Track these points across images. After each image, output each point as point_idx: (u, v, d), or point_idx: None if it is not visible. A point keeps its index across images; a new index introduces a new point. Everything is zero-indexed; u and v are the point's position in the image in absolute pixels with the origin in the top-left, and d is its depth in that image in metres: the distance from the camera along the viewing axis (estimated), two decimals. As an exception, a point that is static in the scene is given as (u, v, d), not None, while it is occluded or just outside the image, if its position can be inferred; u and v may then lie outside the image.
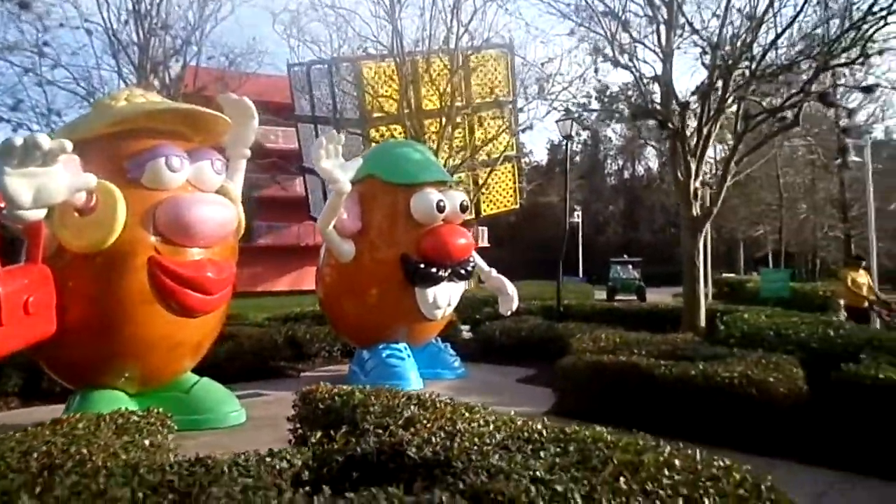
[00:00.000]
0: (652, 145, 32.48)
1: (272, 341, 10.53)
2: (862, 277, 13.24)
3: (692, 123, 10.09)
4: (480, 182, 30.99)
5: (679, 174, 10.03)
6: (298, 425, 4.86)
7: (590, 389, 6.82)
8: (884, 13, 9.42)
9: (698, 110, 9.83)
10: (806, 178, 27.53)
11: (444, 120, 14.54)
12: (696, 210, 9.98)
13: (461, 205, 9.30)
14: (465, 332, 13.20)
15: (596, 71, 10.83)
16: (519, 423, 3.42)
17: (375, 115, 18.84)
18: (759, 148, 11.75)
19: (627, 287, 30.91)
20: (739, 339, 7.88)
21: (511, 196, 32.80)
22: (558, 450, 2.80)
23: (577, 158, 62.43)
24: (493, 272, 10.92)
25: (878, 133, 47.41)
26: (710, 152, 11.71)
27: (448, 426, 3.31)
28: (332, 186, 8.20)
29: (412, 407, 3.95)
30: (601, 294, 29.86)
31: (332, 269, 9.37)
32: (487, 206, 31.86)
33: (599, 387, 6.73)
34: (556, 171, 60.08)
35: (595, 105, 14.97)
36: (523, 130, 20.06)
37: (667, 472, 2.45)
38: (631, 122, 11.44)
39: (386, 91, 17.57)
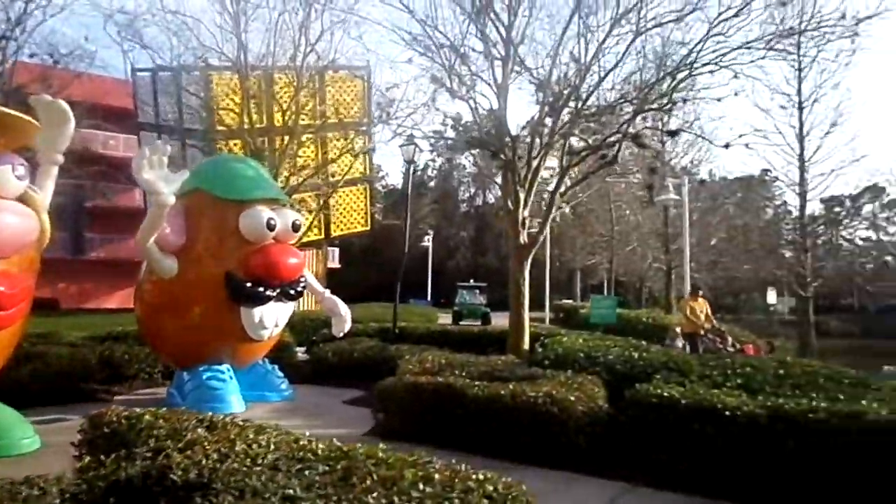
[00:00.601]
0: (486, 174, 33.83)
1: (84, 362, 9.80)
2: (700, 306, 14.28)
3: (526, 156, 10.62)
4: (332, 202, 30.89)
5: (509, 203, 10.51)
6: (85, 451, 4.56)
7: (408, 410, 6.92)
8: (694, 65, 10.48)
9: (528, 144, 10.39)
10: (635, 212, 29.82)
11: (286, 138, 14.34)
12: (523, 238, 10.49)
13: (293, 224, 9.19)
14: (300, 353, 12.98)
15: (433, 100, 11.18)
16: (302, 442, 3.41)
17: (219, 128, 18.25)
18: (582, 182, 12.58)
19: (473, 312, 31.13)
20: (553, 361, 8.31)
21: (363, 218, 32.82)
22: (326, 468, 2.82)
23: (432, 184, 63.76)
24: (327, 293, 10.85)
25: (702, 174, 52.37)
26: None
27: (225, 448, 3.23)
28: (153, 198, 7.84)
29: (199, 429, 3.82)
30: (447, 317, 30.38)
31: (153, 286, 8.91)
32: (338, 226, 31.72)
33: (418, 407, 6.85)
34: (412, 196, 60.92)
35: (450, 133, 15.44)
36: (365, 153, 20.14)
37: (421, 487, 2.55)
38: (465, 151, 11.85)
39: (229, 104, 17.07)
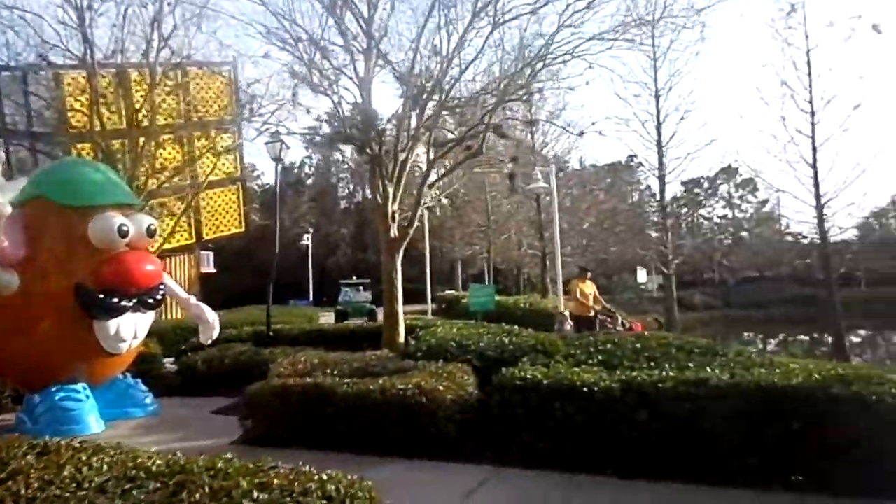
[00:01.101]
0: (361, 170, 33.66)
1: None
2: (588, 288, 14.29)
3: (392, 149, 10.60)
4: (203, 204, 29.63)
5: (378, 197, 10.47)
6: None
7: (276, 414, 6.75)
8: (549, 56, 10.84)
9: (395, 137, 10.37)
10: (510, 201, 30.64)
11: (142, 139, 13.58)
12: (393, 232, 10.48)
13: (148, 229, 8.72)
14: (169, 364, 12.38)
15: (295, 95, 10.95)
16: (140, 460, 3.22)
17: (71, 130, 17.02)
18: (449, 174, 12.74)
19: (358, 310, 30.41)
20: (426, 352, 8.36)
21: (236, 219, 31.67)
22: (158, 485, 2.68)
23: (310, 181, 62.63)
24: (192, 299, 10.41)
25: (574, 163, 54.51)
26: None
27: (51, 475, 3.00)
28: (-14, 209, 7.19)
29: (28, 457, 3.53)
30: (329, 316, 29.91)
31: (-8, 304, 8.19)
32: (210, 229, 30.49)
33: (286, 411, 6.70)
34: (289, 194, 59.61)
35: (326, 129, 15.07)
36: (228, 151, 19.45)
37: (255, 495, 2.47)
38: (331, 147, 11.71)
39: (76, 105, 15.94)
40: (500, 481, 5.48)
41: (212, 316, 10.04)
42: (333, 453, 6.32)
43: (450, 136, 10.93)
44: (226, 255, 44.97)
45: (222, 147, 23.36)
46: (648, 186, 53.88)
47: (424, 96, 10.50)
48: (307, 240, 42.05)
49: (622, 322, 14.76)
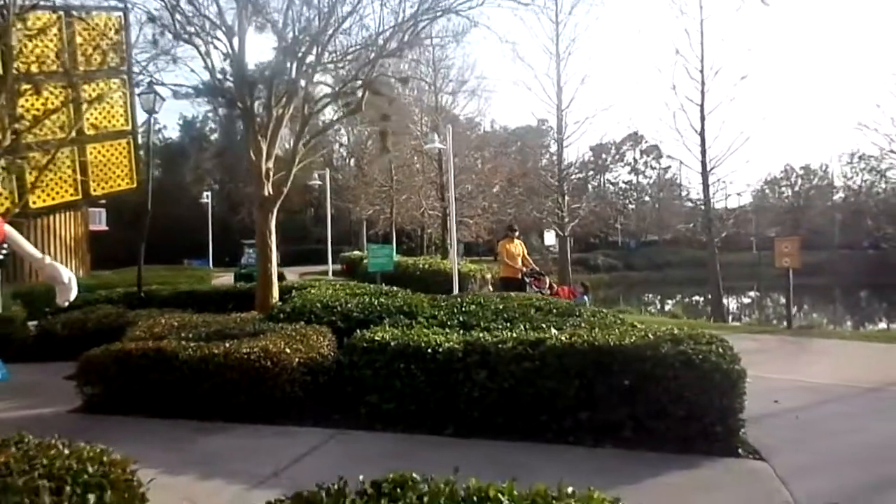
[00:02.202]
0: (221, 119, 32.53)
1: None
2: (516, 248, 13.45)
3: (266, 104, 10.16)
4: (90, 159, 27.97)
5: (252, 154, 10.05)
6: None
7: (115, 380, 6.41)
8: (431, 13, 10.60)
9: (268, 91, 9.93)
10: (411, 162, 30.45)
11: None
12: (268, 190, 10.11)
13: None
14: (34, 327, 11.64)
15: (155, 42, 10.26)
16: None
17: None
18: (325, 131, 12.40)
19: None
20: (289, 314, 8.16)
21: (127, 175, 30.11)
22: None
23: (214, 136, 60.26)
24: (47, 259, 9.67)
25: (486, 125, 54.64)
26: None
27: None
28: None
29: None
30: (227, 277, 28.91)
31: None
32: (99, 185, 28.86)
33: (125, 376, 6.37)
34: (192, 150, 57.19)
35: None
36: (94, 102, 18.28)
37: None
38: (195, 98, 11.19)
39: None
40: (337, 444, 5.39)
41: (67, 276, 9.36)
42: (175, 420, 6.10)
43: (327, 91, 10.55)
44: (123, 212, 42.86)
45: (112, 99, 21.91)
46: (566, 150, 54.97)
47: (298, 49, 10.07)
48: (207, 197, 40.48)
49: (550, 285, 13.87)
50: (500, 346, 5.53)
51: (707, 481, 4.45)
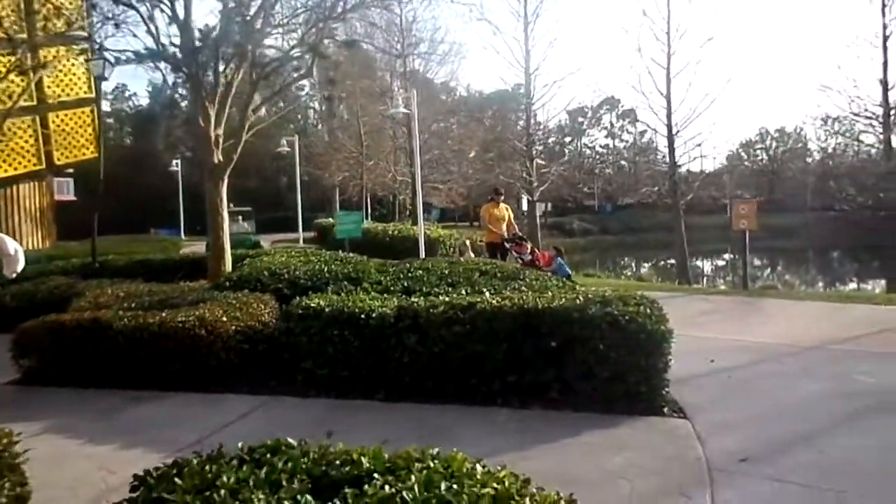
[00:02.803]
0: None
1: None
2: (501, 212, 12.73)
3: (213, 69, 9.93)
4: (53, 128, 27.40)
5: (200, 120, 9.86)
6: None
7: (50, 352, 6.36)
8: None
9: (215, 55, 9.71)
10: (379, 128, 30.17)
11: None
12: (217, 158, 9.95)
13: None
14: (-14, 299, 11.48)
15: (94, 6, 9.93)
16: None
17: None
18: (277, 95, 12.18)
19: (241, 243, 25.49)
20: (236, 282, 8.10)
21: (91, 143, 29.55)
22: None
23: (185, 103, 59.14)
24: (-8, 229, 9.60)
25: (462, 91, 54.17)
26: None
27: None
28: None
29: None
30: (199, 246, 28.49)
31: None
32: (63, 154, 28.32)
33: (60, 348, 6.31)
34: (163, 117, 56.19)
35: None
36: (35, 70, 17.71)
37: None
38: (138, 64, 10.92)
39: None
40: (266, 411, 5.40)
41: (13, 247, 9.24)
42: (110, 390, 6.07)
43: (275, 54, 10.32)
44: (91, 181, 42.18)
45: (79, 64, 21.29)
46: (535, 114, 54.49)
47: (246, 13, 9.83)
48: (176, 165, 39.87)
49: (531, 251, 12.88)
50: (431, 310, 5.53)
51: (624, 440, 4.51)
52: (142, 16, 9.39)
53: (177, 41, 9.95)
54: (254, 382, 6.06)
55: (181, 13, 9.73)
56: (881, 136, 18.15)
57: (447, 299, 5.79)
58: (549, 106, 30.43)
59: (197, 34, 9.75)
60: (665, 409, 5.10)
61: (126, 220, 40.12)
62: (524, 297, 5.54)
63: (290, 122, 49.32)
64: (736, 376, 6.21)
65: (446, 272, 7.83)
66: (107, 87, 50.20)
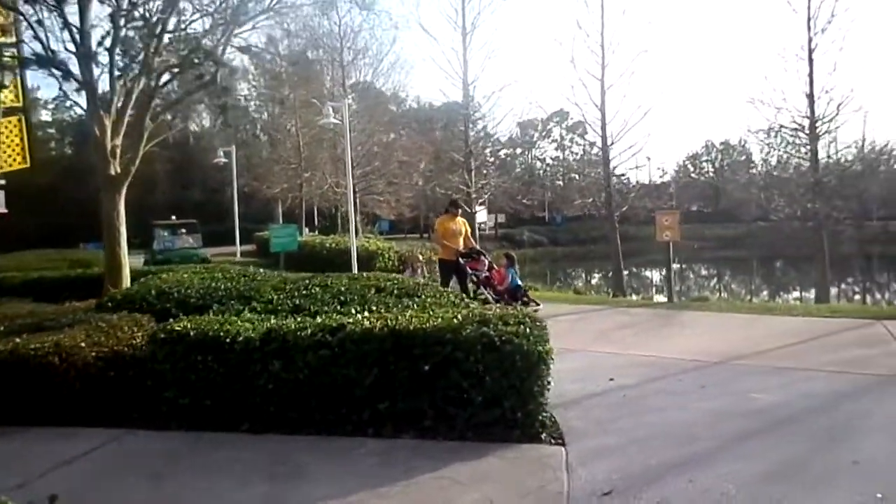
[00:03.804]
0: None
1: None
2: (457, 226, 11.37)
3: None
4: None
5: (96, 130, 9.34)
6: None
7: None
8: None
9: (108, 63, 9.21)
10: (325, 138, 29.66)
11: None
12: (114, 169, 9.44)
13: None
14: None
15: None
16: None
17: None
18: (178, 104, 11.69)
19: (187, 258, 23.25)
20: (120, 302, 7.59)
21: (19, 153, 28.38)
22: None
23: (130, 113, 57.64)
24: None
25: (412, 102, 53.89)
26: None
27: None
28: None
29: None
30: (135, 260, 27.26)
31: None
32: (-16, 164, 27.16)
33: None
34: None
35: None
36: None
37: None
38: (26, 70, 10.32)
39: None
40: (117, 446, 4.94)
41: None
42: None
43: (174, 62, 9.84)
44: (25, 193, 40.54)
45: None
46: (485, 127, 54.40)
47: (136, 16, 9.35)
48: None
49: (490, 265, 11.50)
50: (298, 333, 5.14)
51: (487, 473, 4.19)
52: (27, 20, 8.84)
53: (71, 47, 9.47)
54: (115, 413, 5.57)
55: (69, 18, 9.22)
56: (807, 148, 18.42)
57: (320, 320, 5.40)
58: (491, 118, 30.42)
59: (93, 41, 9.26)
60: (543, 436, 4.81)
61: (62, 232, 38.73)
62: (398, 318, 5.19)
63: (237, 132, 48.31)
64: (630, 395, 5.98)
65: (343, 289, 7.44)
66: (47, 95, 48.47)
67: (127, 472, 4.43)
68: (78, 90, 9.23)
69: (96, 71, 9.13)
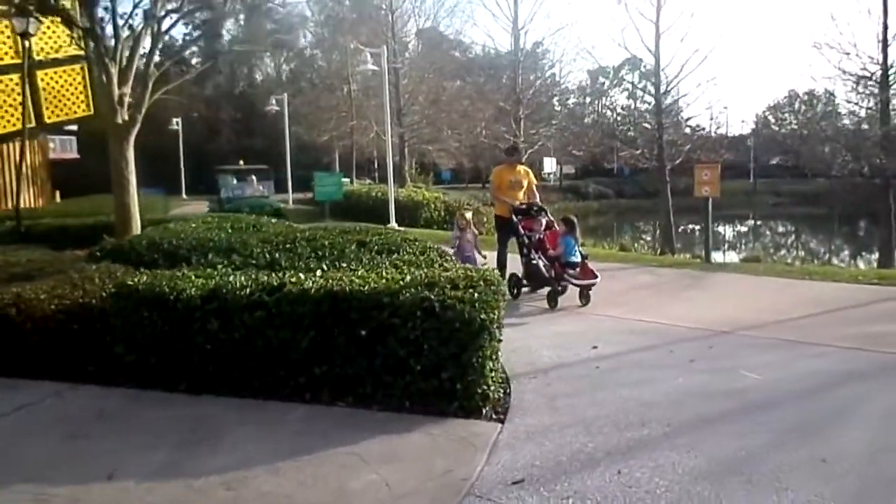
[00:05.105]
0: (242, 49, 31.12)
1: None
2: (516, 176, 9.44)
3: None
4: (42, 85, 27.18)
5: (103, 78, 9.27)
6: None
7: None
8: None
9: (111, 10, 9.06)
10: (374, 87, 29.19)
11: None
12: (121, 117, 9.37)
13: None
14: None
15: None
16: None
17: None
18: (181, 53, 11.49)
19: (257, 206, 20.89)
20: (109, 252, 7.57)
21: (83, 101, 29.21)
22: None
23: (195, 61, 58.63)
24: None
25: (478, 50, 52.46)
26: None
27: None
28: None
29: None
30: (196, 207, 27.52)
31: None
32: (53, 112, 28.06)
33: None
34: (169, 74, 55.58)
35: None
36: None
37: None
38: (21, 14, 10.27)
39: None
40: (55, 401, 4.87)
41: None
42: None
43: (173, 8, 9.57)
44: (98, 139, 41.92)
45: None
46: (553, 74, 52.52)
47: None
48: (176, 124, 39.46)
49: (548, 225, 9.10)
50: (237, 292, 4.90)
51: (401, 450, 3.88)
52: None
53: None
54: (68, 367, 5.50)
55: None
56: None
57: (263, 278, 5.13)
58: (554, 64, 29.10)
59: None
60: (485, 410, 4.46)
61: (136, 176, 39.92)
62: (337, 278, 4.88)
63: (297, 80, 48.31)
64: (605, 367, 5.53)
65: (326, 243, 7.19)
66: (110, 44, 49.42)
67: (49, 430, 4.35)
68: (82, 37, 9.12)
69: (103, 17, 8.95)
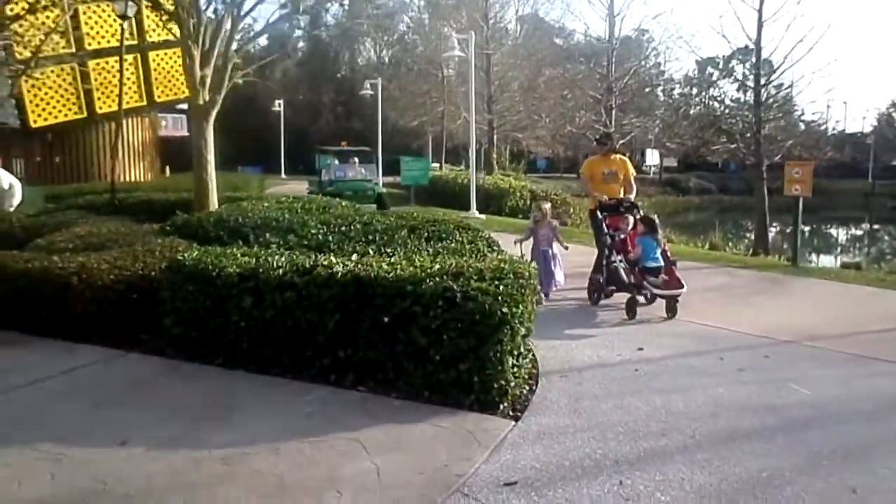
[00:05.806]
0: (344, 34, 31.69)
1: None
2: (611, 166, 8.43)
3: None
4: (152, 66, 28.81)
5: (187, 59, 9.69)
6: None
7: None
8: None
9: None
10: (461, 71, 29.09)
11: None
12: (203, 98, 9.77)
13: None
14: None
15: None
16: None
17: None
18: (262, 35, 11.71)
19: (359, 190, 19.52)
20: (179, 228, 7.93)
21: (182, 83, 30.58)
22: None
23: (301, 44, 60.34)
24: (-10, 164, 9.98)
25: (580, 36, 51.44)
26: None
27: None
28: None
29: None
30: (293, 187, 28.37)
31: None
32: (162, 92, 29.65)
33: None
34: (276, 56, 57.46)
35: None
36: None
37: None
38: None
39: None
40: (101, 367, 5.15)
41: (8, 182, 9.61)
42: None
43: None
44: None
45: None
46: (658, 63, 50.65)
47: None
48: (279, 106, 40.79)
49: (634, 224, 8.00)
50: (271, 272, 5.02)
51: (403, 441, 3.86)
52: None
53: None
54: (125, 335, 5.81)
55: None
56: None
57: (297, 260, 5.22)
58: (659, 52, 28.04)
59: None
60: (502, 406, 4.37)
61: (233, 155, 41.71)
62: (366, 264, 4.89)
63: (398, 65, 48.78)
64: (645, 370, 5.29)
65: (379, 228, 7.27)
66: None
67: (83, 395, 4.59)
68: (167, 21, 9.53)
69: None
